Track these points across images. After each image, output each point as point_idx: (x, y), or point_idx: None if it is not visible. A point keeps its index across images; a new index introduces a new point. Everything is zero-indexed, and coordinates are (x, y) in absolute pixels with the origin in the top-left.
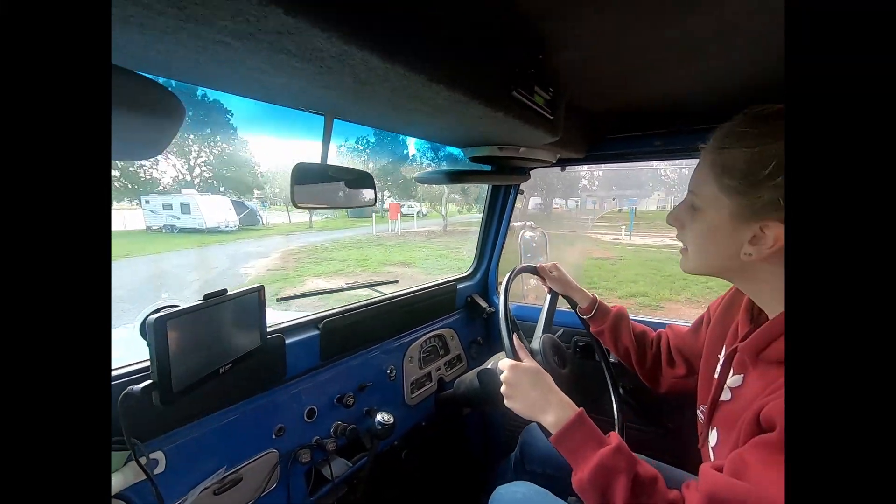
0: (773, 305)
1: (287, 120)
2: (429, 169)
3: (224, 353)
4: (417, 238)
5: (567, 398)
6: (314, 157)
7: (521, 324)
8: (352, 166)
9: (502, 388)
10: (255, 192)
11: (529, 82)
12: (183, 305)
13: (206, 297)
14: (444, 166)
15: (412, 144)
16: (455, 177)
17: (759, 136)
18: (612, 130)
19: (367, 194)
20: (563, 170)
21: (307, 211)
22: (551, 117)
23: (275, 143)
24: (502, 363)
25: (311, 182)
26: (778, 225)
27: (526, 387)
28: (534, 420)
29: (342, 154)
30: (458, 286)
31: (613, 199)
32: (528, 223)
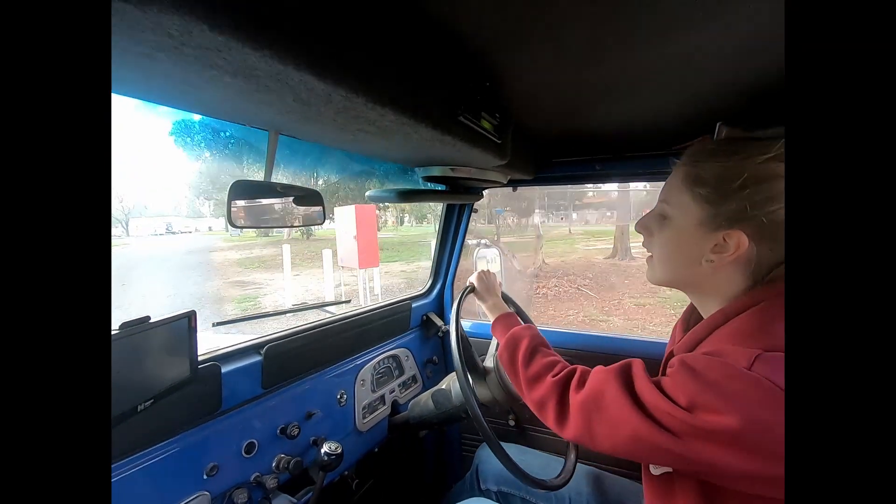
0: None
1: None
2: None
3: (144, 388)
4: None
5: (504, 304)
6: None
7: (478, 341)
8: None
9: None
10: None
11: (476, 108)
12: None
13: (123, 326)
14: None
15: None
16: (407, 196)
17: (729, 153)
18: (557, 154)
19: (315, 212)
20: (514, 190)
21: None
22: (499, 141)
23: None
24: (473, 278)
25: (252, 200)
26: (739, 234)
27: (484, 294)
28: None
29: None
30: (413, 304)
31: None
32: (482, 240)
